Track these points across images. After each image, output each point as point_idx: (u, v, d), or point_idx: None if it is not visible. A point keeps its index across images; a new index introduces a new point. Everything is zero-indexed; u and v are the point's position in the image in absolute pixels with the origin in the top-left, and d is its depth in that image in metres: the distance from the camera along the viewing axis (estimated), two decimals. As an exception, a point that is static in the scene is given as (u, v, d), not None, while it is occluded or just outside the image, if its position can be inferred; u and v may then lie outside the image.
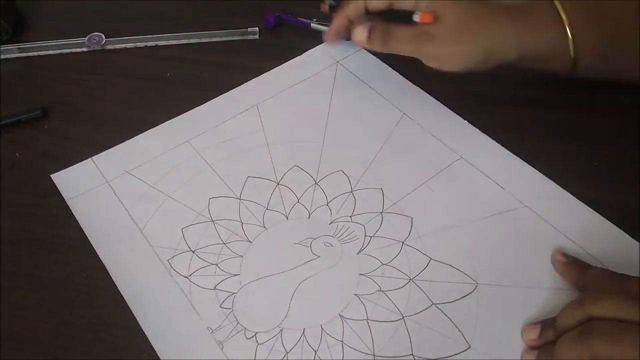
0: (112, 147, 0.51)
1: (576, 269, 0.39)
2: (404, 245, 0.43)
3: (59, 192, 0.48)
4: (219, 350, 0.38)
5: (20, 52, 0.59)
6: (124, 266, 0.42)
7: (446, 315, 0.39)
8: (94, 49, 0.59)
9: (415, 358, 0.37)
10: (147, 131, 0.51)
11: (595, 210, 0.44)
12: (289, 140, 0.50)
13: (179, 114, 0.53)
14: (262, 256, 0.43)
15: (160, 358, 0.38)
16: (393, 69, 0.55)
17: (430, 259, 0.42)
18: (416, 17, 0.47)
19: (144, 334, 0.39)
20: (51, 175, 0.48)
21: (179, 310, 0.40)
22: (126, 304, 0.41)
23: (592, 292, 0.36)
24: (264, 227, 0.44)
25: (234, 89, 0.55)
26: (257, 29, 0.60)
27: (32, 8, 0.66)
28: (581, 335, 0.32)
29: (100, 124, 0.53)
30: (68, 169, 0.49)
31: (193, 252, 0.43)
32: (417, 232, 0.43)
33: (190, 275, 0.42)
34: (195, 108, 0.53)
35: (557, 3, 0.44)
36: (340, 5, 0.52)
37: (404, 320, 0.39)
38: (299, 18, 0.60)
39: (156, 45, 0.59)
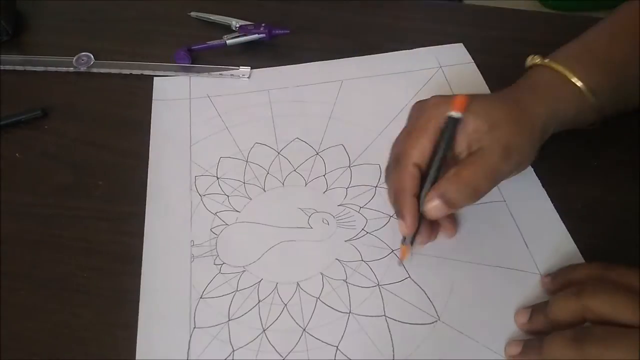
0: (112, 147, 0.51)
1: (563, 277, 0.39)
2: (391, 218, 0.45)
3: (59, 191, 0.48)
4: (188, 261, 0.43)
5: (5, 65, 0.58)
6: (162, 164, 0.49)
7: (420, 288, 0.41)
8: (81, 70, 0.58)
9: (388, 318, 0.39)
10: (241, 68, 0.57)
11: (595, 211, 0.44)
12: (350, 121, 0.52)
13: (179, 114, 0.53)
14: (266, 206, 0.46)
15: (144, 230, 0.44)
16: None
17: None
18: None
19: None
20: (154, 78, 0.56)
21: (179, 216, 0.46)
22: (125, 304, 0.41)
23: (591, 284, 0.36)
24: (282, 184, 0.48)
25: (330, 60, 0.58)
26: (248, 68, 0.57)
27: (32, 8, 0.66)
28: (574, 339, 0.33)
29: (101, 124, 0.53)
30: (168, 78, 0.57)
31: (217, 178, 0.48)
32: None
33: (204, 194, 0.47)
34: (289, 65, 0.57)
35: (560, 69, 0.44)
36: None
37: (379, 288, 0.41)
38: (208, 43, 0.59)
39: (141, 74, 0.58)
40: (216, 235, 0.44)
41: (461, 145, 0.40)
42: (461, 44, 0.59)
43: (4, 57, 0.59)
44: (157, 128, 0.52)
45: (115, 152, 0.51)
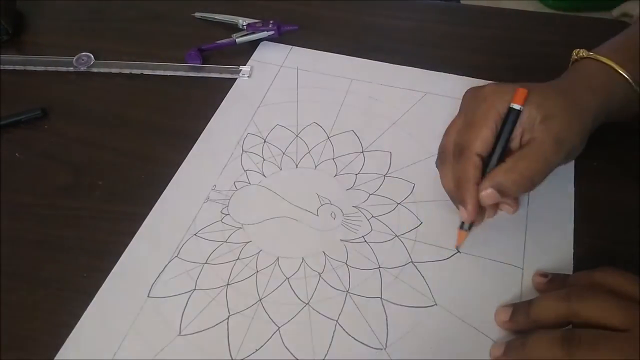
0: (112, 147, 0.51)
1: (559, 283, 0.39)
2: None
3: (59, 191, 0.48)
4: (202, 201, 0.47)
5: (5, 65, 0.58)
6: (228, 113, 0.53)
7: (420, 273, 0.42)
8: (81, 70, 0.58)
9: (383, 301, 0.40)
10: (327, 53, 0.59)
11: (595, 211, 0.44)
12: (366, 111, 0.53)
13: (181, 113, 0.54)
14: (289, 180, 0.48)
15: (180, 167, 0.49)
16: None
17: (421, 222, 0.45)
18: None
19: (144, 333, 0.39)
20: (261, 43, 0.59)
21: (217, 161, 0.50)
22: (126, 304, 0.41)
23: (579, 287, 0.36)
24: (315, 167, 0.49)
25: (373, 61, 0.58)
26: (249, 67, 0.57)
27: (32, 8, 0.66)
28: (563, 341, 0.33)
29: (101, 124, 0.53)
30: (274, 44, 0.60)
31: (265, 142, 0.51)
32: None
33: (246, 150, 0.50)
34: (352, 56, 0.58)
35: (606, 61, 0.44)
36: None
37: (379, 270, 0.42)
38: (218, 42, 0.59)
39: (141, 73, 0.57)
40: (236, 189, 0.47)
41: (514, 133, 0.41)
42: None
43: (4, 57, 0.59)
44: (240, 84, 0.56)
45: (115, 152, 0.51)
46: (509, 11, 0.64)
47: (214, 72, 0.57)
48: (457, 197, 0.42)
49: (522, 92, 0.41)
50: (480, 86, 0.43)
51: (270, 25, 0.59)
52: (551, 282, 0.40)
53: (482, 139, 0.40)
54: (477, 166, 0.40)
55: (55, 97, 0.56)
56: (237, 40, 0.59)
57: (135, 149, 0.51)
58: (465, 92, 0.45)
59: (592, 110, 0.42)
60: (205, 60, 0.58)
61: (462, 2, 0.84)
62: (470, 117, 0.42)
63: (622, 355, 0.31)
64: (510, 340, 0.37)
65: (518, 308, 0.38)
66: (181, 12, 0.64)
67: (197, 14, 0.64)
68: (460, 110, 0.44)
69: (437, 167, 0.44)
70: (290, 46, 0.59)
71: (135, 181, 0.48)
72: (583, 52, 0.46)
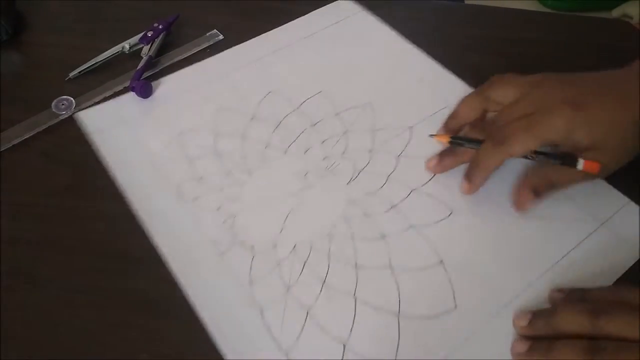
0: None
1: (577, 298, 0.38)
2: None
3: (59, 191, 0.48)
4: (220, 258, 0.43)
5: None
6: (139, 189, 0.47)
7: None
8: (63, 117, 0.54)
9: (393, 268, 0.42)
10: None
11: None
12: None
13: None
14: (263, 184, 0.48)
15: (172, 268, 0.42)
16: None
17: (412, 190, 0.46)
18: (580, 166, 0.42)
19: (144, 334, 0.39)
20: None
21: (186, 227, 0.45)
22: (124, 304, 0.41)
23: (606, 303, 0.36)
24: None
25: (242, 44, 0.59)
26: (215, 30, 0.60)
27: (32, 8, 0.66)
28: (590, 351, 0.33)
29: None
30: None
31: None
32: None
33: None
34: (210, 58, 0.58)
35: None
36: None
37: (385, 239, 0.43)
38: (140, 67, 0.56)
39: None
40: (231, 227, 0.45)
41: None
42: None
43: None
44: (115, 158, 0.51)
45: (115, 152, 0.51)
46: (508, 11, 0.65)
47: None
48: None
49: (593, 167, 0.41)
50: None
51: (160, 26, 0.60)
52: (569, 297, 0.39)
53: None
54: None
55: (56, 96, 0.55)
56: (151, 54, 0.58)
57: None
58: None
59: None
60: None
61: (465, 1, 0.84)
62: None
63: None
64: (536, 341, 0.37)
65: (539, 315, 0.37)
66: (182, 12, 0.64)
67: (72, 74, 0.57)
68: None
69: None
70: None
71: (135, 181, 0.48)
72: None
